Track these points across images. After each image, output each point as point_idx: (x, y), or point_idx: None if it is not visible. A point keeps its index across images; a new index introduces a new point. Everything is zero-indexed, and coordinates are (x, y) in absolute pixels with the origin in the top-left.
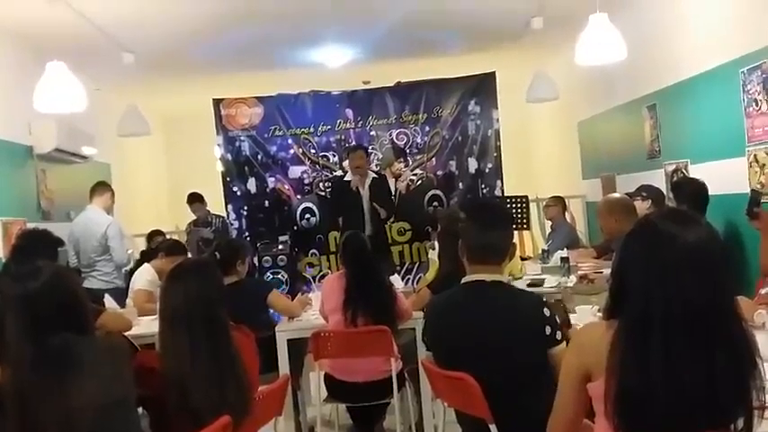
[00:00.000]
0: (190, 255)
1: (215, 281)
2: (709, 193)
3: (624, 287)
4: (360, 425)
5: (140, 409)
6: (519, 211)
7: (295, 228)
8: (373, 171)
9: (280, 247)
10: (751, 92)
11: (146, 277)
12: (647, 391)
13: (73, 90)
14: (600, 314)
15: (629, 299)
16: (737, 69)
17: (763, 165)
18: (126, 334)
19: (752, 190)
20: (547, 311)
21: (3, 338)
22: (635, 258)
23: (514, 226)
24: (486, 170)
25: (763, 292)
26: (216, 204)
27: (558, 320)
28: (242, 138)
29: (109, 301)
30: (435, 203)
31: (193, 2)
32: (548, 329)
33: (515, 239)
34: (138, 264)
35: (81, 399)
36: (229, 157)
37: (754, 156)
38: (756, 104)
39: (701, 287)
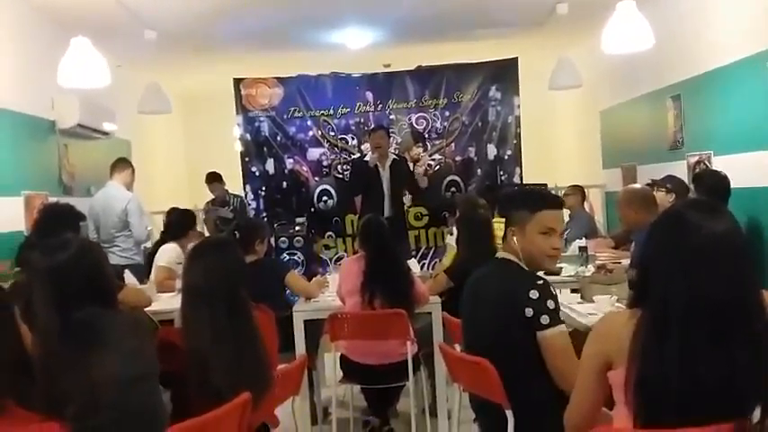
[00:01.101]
0: (207, 233)
1: (235, 259)
2: (733, 185)
3: (648, 276)
4: (374, 407)
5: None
6: None
7: (312, 210)
8: (393, 153)
9: (296, 228)
10: None
11: (170, 255)
12: (665, 379)
13: (96, 66)
14: (618, 304)
15: (653, 288)
16: (765, 61)
17: None
18: (145, 310)
19: None
20: (534, 294)
21: (31, 310)
22: (660, 247)
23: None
24: (506, 157)
25: None
26: (234, 184)
27: (549, 306)
28: (261, 118)
29: (129, 276)
30: (453, 189)
31: None
32: (528, 311)
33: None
34: (160, 242)
35: (104, 372)
36: (248, 137)
37: None
38: None
39: (724, 277)
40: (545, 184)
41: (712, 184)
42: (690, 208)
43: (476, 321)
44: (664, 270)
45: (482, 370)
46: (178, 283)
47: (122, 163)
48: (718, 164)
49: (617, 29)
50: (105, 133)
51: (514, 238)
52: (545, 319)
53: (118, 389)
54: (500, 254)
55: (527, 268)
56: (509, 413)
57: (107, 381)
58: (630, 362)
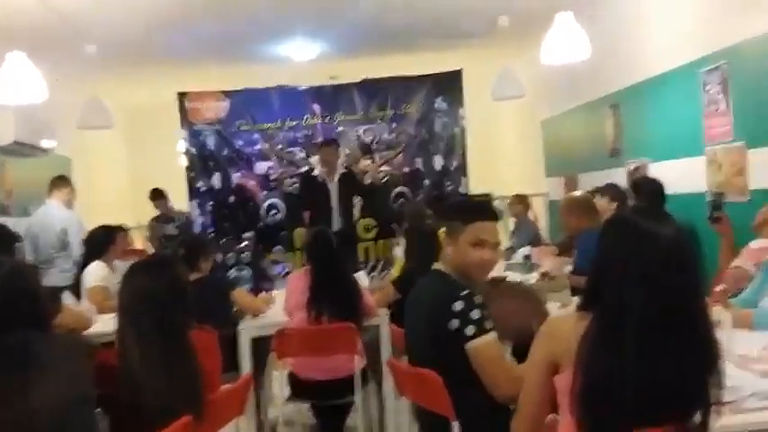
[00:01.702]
0: (153, 250)
1: (169, 279)
2: (669, 191)
3: (601, 283)
4: (323, 423)
5: (98, 410)
6: None
7: (260, 224)
8: (342, 167)
9: (244, 243)
10: (710, 92)
11: (97, 274)
12: (617, 387)
13: (33, 81)
14: (561, 310)
15: (607, 293)
16: (697, 70)
17: (721, 164)
18: (86, 332)
19: (713, 194)
20: (459, 305)
21: None
22: (614, 254)
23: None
24: (452, 167)
25: (717, 289)
26: (180, 200)
27: (473, 317)
28: (207, 132)
29: (67, 298)
30: (401, 200)
31: None
32: (454, 323)
33: None
34: (84, 264)
35: (39, 397)
36: (194, 151)
37: (713, 155)
38: (715, 105)
39: (678, 283)
40: (490, 194)
41: (649, 191)
42: (639, 215)
43: (413, 335)
44: (619, 277)
45: (428, 382)
46: None
47: (61, 181)
48: (655, 170)
49: (555, 40)
50: (44, 150)
51: (449, 249)
52: (470, 330)
53: (53, 415)
54: (436, 265)
55: (460, 279)
56: (455, 424)
57: (42, 406)
58: (578, 368)
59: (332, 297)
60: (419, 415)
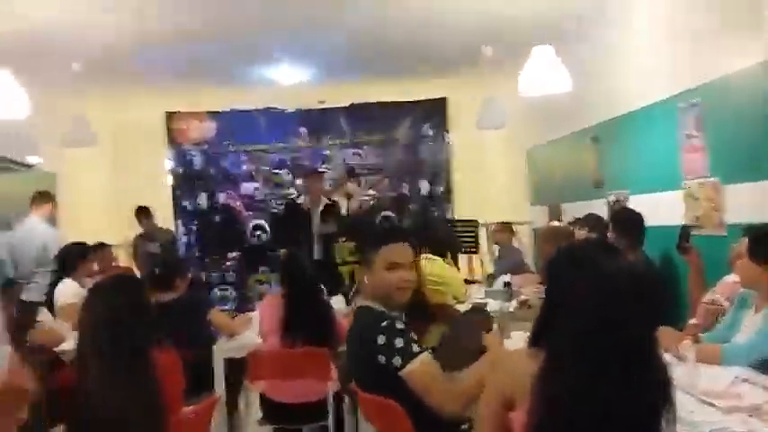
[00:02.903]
0: (137, 269)
1: (130, 298)
2: (648, 224)
3: (555, 317)
4: None
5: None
6: (468, 235)
7: (246, 244)
8: (327, 198)
9: (228, 263)
10: (687, 128)
11: (71, 291)
12: (571, 420)
13: (15, 97)
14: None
15: (557, 329)
16: (675, 106)
17: (698, 198)
18: (58, 349)
19: (682, 226)
20: (381, 339)
21: None
22: (562, 288)
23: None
24: (438, 193)
25: (690, 323)
26: (166, 219)
27: (397, 345)
28: (193, 152)
29: (44, 314)
30: (387, 224)
31: (147, 13)
32: (381, 359)
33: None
34: (56, 281)
35: None
36: (180, 171)
37: (690, 189)
38: (691, 140)
39: (632, 316)
40: (476, 221)
41: (629, 223)
42: (590, 247)
43: (353, 371)
44: (567, 313)
45: (390, 410)
46: None
47: (42, 196)
48: (635, 203)
49: (534, 72)
50: (29, 166)
51: (366, 279)
52: (397, 361)
53: None
54: (358, 301)
55: (384, 307)
56: None
57: None
58: (535, 404)
59: (305, 321)
60: None
